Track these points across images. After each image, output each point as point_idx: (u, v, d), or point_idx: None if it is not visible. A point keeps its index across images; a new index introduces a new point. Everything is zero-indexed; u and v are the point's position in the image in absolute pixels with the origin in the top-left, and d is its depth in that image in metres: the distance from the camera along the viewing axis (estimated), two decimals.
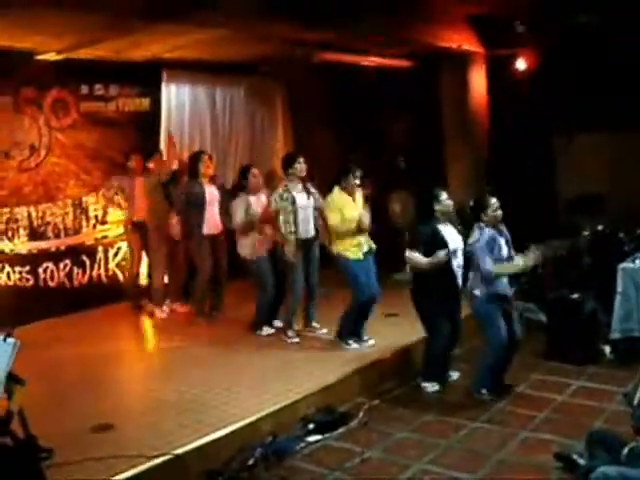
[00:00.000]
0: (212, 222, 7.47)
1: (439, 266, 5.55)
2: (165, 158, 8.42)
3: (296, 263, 6.63)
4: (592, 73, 8.08)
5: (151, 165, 8.04)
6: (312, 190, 6.77)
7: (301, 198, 6.63)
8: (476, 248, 5.44)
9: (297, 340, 6.70)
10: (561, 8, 7.77)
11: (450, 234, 5.72)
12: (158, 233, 7.87)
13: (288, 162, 6.74)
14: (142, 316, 8.06)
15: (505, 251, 5.52)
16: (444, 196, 5.72)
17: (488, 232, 5.45)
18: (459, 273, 5.71)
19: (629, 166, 8.18)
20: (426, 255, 5.58)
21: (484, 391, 5.59)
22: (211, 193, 7.50)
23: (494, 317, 5.49)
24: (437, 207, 5.70)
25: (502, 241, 5.52)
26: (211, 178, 7.65)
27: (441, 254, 5.51)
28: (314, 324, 7.00)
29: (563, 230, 8.05)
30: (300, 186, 6.68)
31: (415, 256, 5.62)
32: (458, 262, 5.69)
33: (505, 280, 5.59)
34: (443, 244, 5.59)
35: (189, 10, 6.00)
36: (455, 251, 5.66)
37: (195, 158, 7.60)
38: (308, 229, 6.69)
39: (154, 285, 8.12)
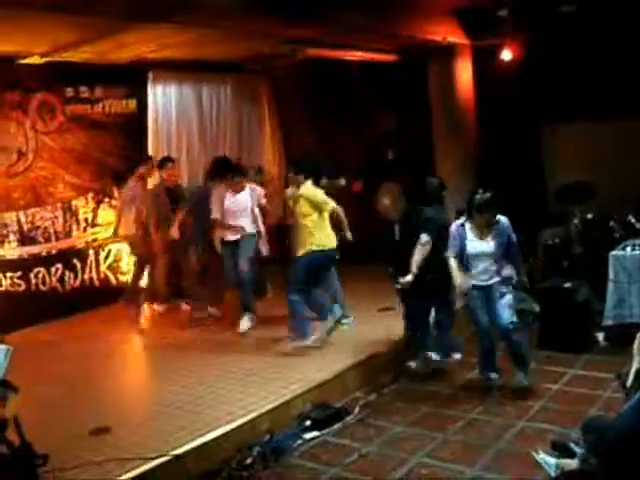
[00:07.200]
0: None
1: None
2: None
3: (223, 257, 7.29)
4: (578, 62, 8.08)
5: (142, 170, 7.98)
6: (252, 188, 7.13)
7: (230, 202, 7.01)
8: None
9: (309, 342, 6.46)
10: None
11: None
12: (163, 235, 7.82)
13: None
14: (137, 317, 8.00)
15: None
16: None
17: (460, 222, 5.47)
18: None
19: (617, 154, 8.18)
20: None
21: (493, 375, 5.62)
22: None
23: (473, 305, 5.48)
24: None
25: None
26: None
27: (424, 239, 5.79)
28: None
29: (553, 219, 8.08)
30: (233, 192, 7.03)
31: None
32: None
33: (481, 269, 5.44)
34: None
35: (174, 10, 5.97)
36: None
37: (160, 164, 7.88)
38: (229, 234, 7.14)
39: (157, 285, 8.06)
